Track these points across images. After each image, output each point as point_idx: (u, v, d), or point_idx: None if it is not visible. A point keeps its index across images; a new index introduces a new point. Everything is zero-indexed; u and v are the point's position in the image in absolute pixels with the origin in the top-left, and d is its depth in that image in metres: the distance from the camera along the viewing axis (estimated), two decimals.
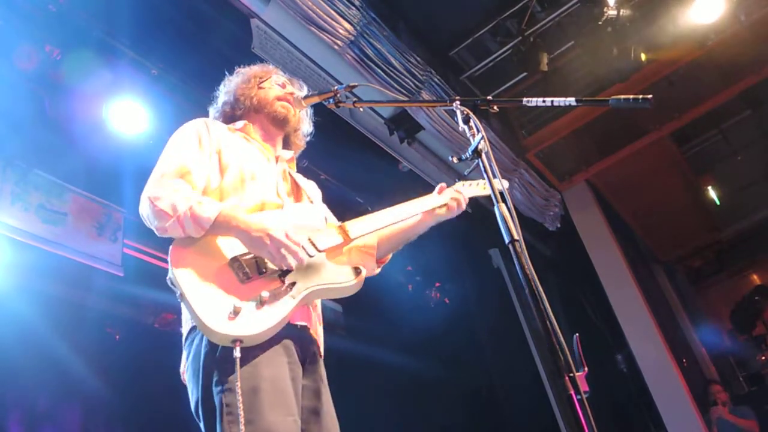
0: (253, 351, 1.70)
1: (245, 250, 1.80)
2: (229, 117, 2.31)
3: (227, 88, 2.36)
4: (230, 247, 1.81)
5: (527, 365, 6.96)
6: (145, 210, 1.83)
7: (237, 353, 1.63)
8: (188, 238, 1.79)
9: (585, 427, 1.36)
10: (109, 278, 4.75)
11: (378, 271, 2.28)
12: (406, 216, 2.22)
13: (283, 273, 1.82)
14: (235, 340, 1.65)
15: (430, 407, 6.95)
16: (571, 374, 1.43)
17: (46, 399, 4.69)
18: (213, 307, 1.67)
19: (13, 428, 4.50)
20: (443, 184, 2.39)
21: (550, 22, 5.30)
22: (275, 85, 2.34)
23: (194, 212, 1.76)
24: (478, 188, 2.46)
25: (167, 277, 1.77)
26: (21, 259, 4.28)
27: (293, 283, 1.81)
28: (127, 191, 4.74)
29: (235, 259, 1.78)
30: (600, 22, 4.95)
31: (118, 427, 5.01)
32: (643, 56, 5.14)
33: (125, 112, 4.11)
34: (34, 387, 4.61)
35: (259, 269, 1.79)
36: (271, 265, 1.80)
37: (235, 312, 1.66)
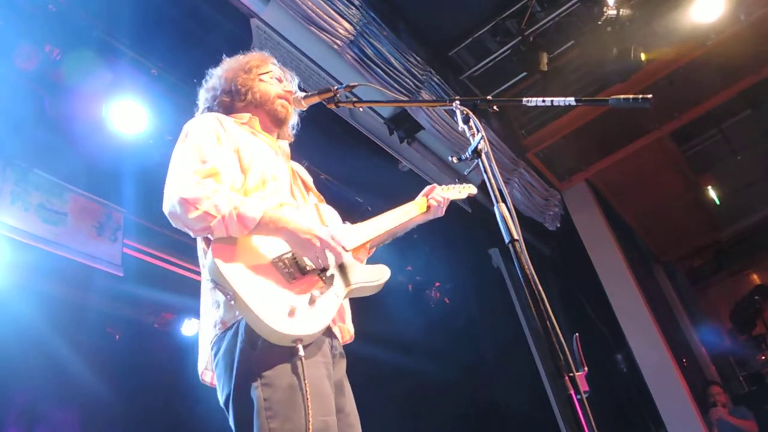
0: (290, 349, 1.71)
1: (283, 250, 1.82)
2: (227, 107, 2.25)
3: (225, 73, 2.29)
4: (268, 246, 1.82)
5: (527, 365, 6.95)
6: (176, 209, 1.77)
7: (301, 352, 1.67)
8: (228, 238, 1.78)
9: (585, 427, 1.36)
10: (109, 278, 4.74)
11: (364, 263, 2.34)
12: (392, 227, 2.32)
13: (322, 273, 1.86)
14: (296, 340, 1.67)
15: (429, 407, 6.95)
16: (571, 374, 1.43)
17: (46, 399, 4.69)
18: (271, 306, 1.68)
19: (13, 428, 4.50)
20: (434, 185, 2.58)
21: (549, 22, 5.29)
22: (274, 79, 2.31)
23: (240, 212, 1.75)
24: (455, 192, 2.67)
25: (209, 279, 1.77)
26: (21, 259, 4.28)
27: (334, 283, 1.87)
28: (127, 191, 4.74)
29: (278, 259, 1.80)
30: (600, 22, 4.95)
31: (118, 427, 5.01)
32: (643, 56, 5.14)
33: (125, 112, 4.10)
34: (33, 387, 4.61)
35: (300, 268, 1.82)
36: (310, 264, 1.83)
37: (291, 311, 1.69)
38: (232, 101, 2.24)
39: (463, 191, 2.73)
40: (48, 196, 4.42)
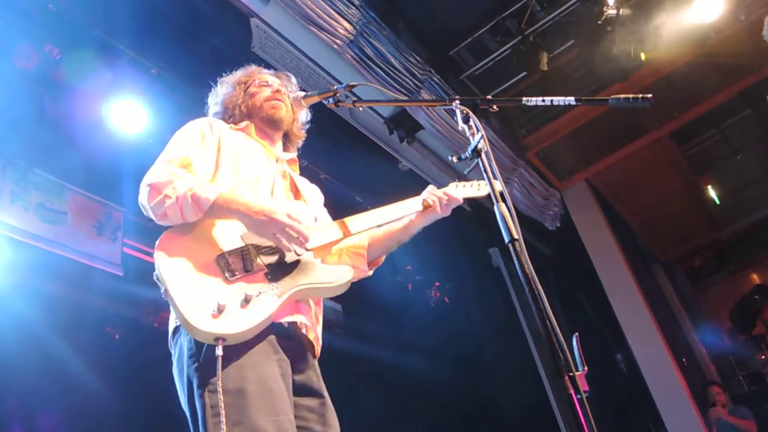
0: (238, 351, 1.69)
1: (232, 246, 1.80)
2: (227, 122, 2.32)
3: (216, 99, 2.38)
4: (217, 241, 1.80)
5: (527, 365, 6.95)
6: (143, 197, 1.82)
7: (219, 351, 1.63)
8: (182, 227, 1.79)
9: (585, 427, 1.36)
10: (109, 278, 4.75)
11: (370, 273, 2.27)
12: (404, 214, 2.20)
13: (270, 272, 1.82)
14: (218, 339, 1.65)
15: (429, 407, 6.95)
16: (571, 374, 1.42)
17: (45, 398, 4.68)
18: (197, 304, 1.66)
19: (13, 427, 4.50)
20: (432, 187, 2.32)
21: (549, 22, 5.30)
22: (260, 86, 2.33)
23: (195, 193, 1.76)
24: (472, 189, 2.40)
25: (154, 273, 1.76)
26: (21, 258, 4.28)
27: (279, 282, 1.81)
28: (126, 190, 4.74)
29: (221, 256, 1.78)
30: (600, 22, 4.96)
31: (118, 427, 5.01)
32: (643, 56, 5.14)
33: (125, 112, 4.11)
34: (33, 386, 4.60)
35: (245, 267, 1.78)
36: (258, 262, 1.80)
37: (219, 310, 1.66)
38: (227, 119, 2.30)
39: (482, 188, 2.41)
40: (48, 195, 4.42)
